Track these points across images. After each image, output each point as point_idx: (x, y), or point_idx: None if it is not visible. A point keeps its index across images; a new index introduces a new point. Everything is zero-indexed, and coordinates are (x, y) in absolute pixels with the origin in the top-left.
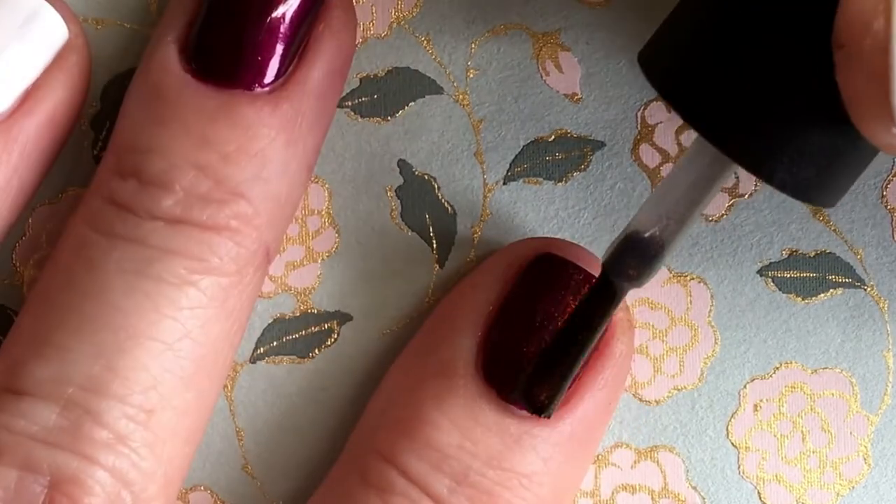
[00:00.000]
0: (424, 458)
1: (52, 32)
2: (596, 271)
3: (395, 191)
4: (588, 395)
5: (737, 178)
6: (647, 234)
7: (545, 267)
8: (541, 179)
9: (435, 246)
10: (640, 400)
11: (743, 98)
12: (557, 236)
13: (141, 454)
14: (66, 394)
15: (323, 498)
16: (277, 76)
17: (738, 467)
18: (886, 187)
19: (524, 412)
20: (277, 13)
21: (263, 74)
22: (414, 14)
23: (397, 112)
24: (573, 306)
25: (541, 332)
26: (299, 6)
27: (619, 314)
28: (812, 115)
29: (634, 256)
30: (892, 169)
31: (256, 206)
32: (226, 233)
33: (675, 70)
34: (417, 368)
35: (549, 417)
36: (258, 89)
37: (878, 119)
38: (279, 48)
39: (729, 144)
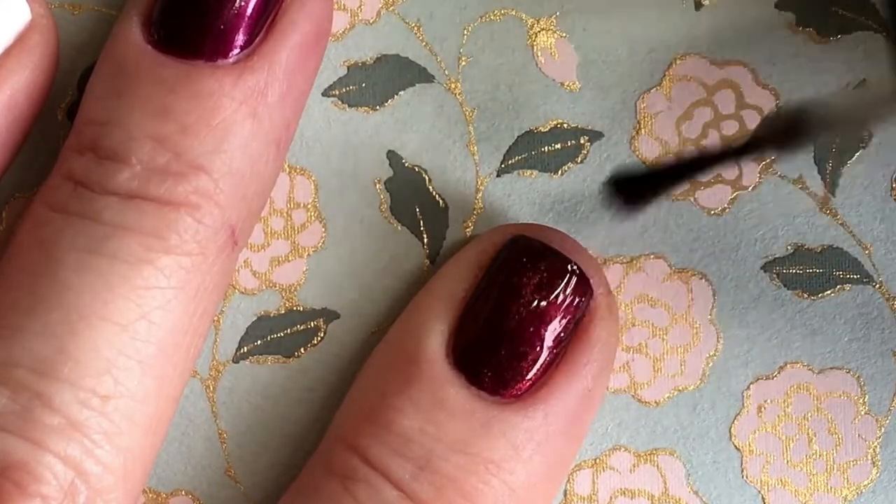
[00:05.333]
0: (386, 442)
1: (13, 12)
2: (569, 252)
3: (385, 183)
4: (565, 383)
5: (740, 170)
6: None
7: (517, 250)
8: (536, 171)
9: (425, 241)
10: (640, 401)
11: None
12: None
13: (96, 441)
14: (16, 376)
15: (292, 493)
16: (242, 48)
17: (742, 471)
18: None
19: (495, 398)
20: None
21: (226, 46)
22: None
23: (386, 101)
24: (542, 288)
25: (510, 317)
26: None
27: (599, 299)
28: None
29: (799, 127)
30: None
31: (217, 180)
32: (185, 209)
33: None
34: (387, 356)
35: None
36: (221, 61)
37: None
38: (243, 19)
39: None
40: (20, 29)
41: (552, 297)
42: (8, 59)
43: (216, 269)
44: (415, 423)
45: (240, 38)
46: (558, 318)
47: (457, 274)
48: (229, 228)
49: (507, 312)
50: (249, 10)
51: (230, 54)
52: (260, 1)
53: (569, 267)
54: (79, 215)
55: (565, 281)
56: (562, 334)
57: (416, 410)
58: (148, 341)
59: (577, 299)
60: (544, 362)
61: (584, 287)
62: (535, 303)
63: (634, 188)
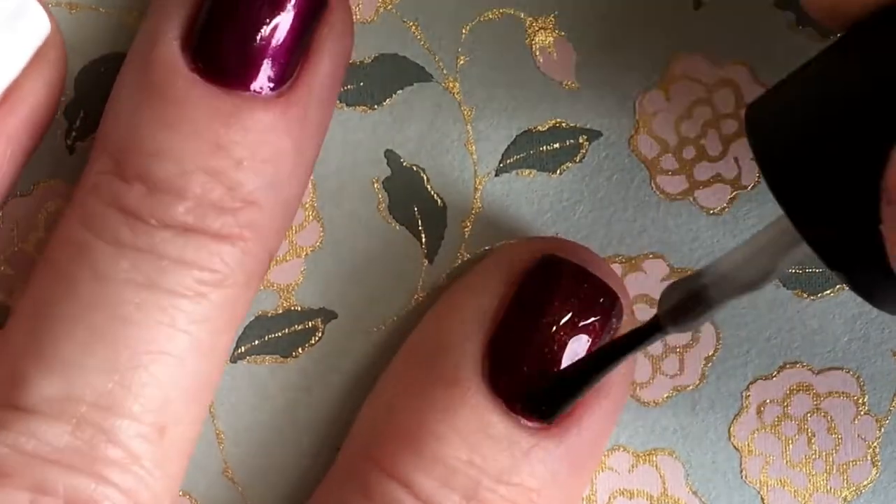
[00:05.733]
0: (432, 473)
1: (37, 28)
2: (600, 273)
3: (382, 182)
4: (595, 406)
5: (739, 168)
6: (712, 291)
7: (551, 271)
8: (534, 171)
9: (424, 240)
10: (639, 401)
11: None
12: (551, 230)
13: (152, 473)
14: (79, 412)
15: None
16: (285, 79)
17: (741, 471)
18: None
19: (533, 423)
20: (285, 13)
21: (273, 77)
22: None
23: (384, 100)
24: (580, 312)
25: (547, 341)
26: (306, 7)
27: (624, 319)
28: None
29: (700, 309)
30: None
31: (266, 213)
32: (239, 242)
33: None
34: (418, 376)
35: (550, 423)
36: (267, 92)
37: None
38: (287, 50)
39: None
40: (41, 42)
41: (590, 322)
42: (30, 75)
43: (252, 294)
44: (461, 453)
45: (283, 69)
46: (594, 343)
47: (484, 290)
48: (269, 255)
49: (545, 339)
50: (290, 41)
51: (275, 85)
52: (299, 31)
53: (606, 292)
54: (133, 247)
55: (602, 306)
56: None
57: (461, 440)
58: (197, 371)
59: (610, 323)
60: None
61: (617, 311)
62: (575, 329)
63: (548, 399)
